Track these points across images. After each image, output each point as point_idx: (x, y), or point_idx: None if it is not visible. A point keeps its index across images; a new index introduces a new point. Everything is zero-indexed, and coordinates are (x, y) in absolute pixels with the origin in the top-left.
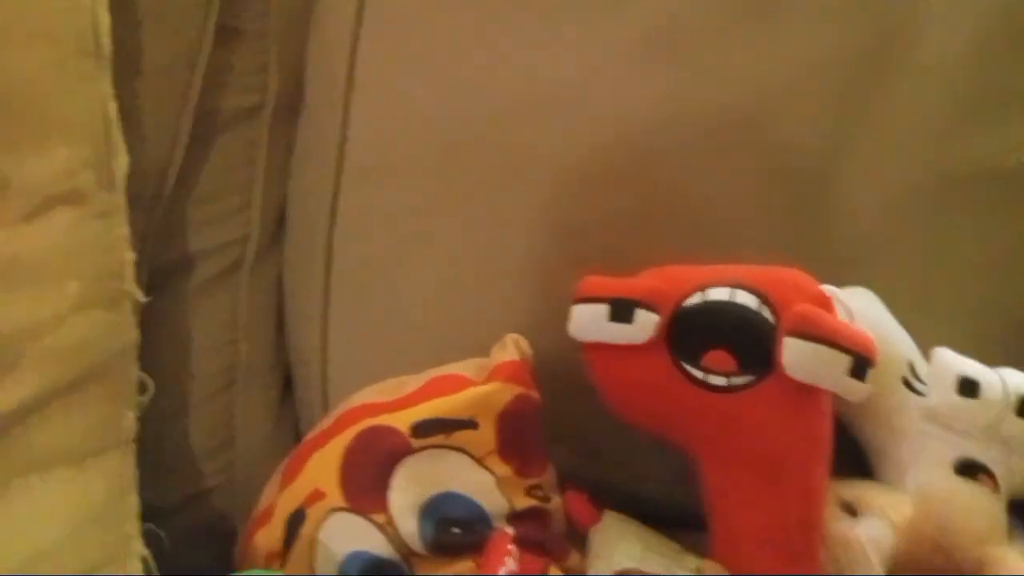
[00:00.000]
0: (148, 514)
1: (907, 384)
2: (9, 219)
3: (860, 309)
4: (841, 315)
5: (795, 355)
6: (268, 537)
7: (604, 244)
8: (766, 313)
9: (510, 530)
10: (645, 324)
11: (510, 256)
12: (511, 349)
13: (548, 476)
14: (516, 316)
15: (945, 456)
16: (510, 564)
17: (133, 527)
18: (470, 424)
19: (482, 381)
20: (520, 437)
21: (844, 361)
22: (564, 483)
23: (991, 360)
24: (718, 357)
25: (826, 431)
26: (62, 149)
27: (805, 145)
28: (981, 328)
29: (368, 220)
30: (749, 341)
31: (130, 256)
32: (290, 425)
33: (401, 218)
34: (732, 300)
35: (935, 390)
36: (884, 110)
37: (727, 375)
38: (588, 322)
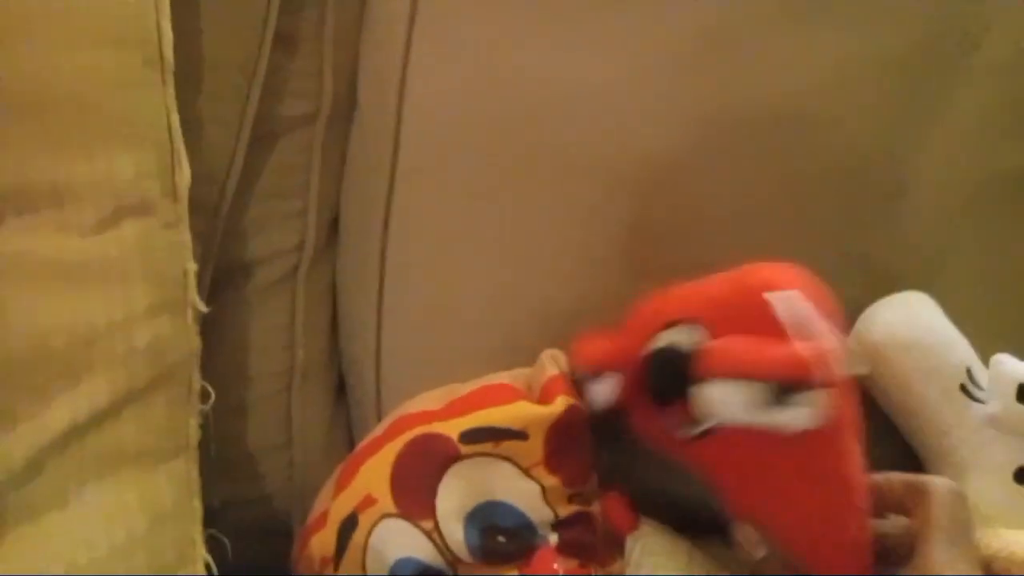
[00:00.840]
0: (209, 514)
1: (965, 390)
2: (82, 228)
3: (911, 315)
4: (789, 316)
5: (709, 399)
6: (322, 542)
7: (655, 243)
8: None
9: (553, 541)
10: (605, 388)
11: (561, 255)
12: (551, 365)
13: (592, 483)
14: (565, 316)
15: (1005, 463)
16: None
17: (197, 531)
18: (520, 435)
19: (532, 399)
20: (567, 449)
21: (758, 393)
22: (603, 484)
23: None
24: (676, 409)
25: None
26: (128, 157)
27: (863, 146)
28: None
29: (421, 222)
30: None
31: (192, 266)
32: (344, 427)
33: (453, 219)
34: (671, 344)
35: (995, 397)
36: (944, 110)
37: (688, 425)
38: (580, 382)
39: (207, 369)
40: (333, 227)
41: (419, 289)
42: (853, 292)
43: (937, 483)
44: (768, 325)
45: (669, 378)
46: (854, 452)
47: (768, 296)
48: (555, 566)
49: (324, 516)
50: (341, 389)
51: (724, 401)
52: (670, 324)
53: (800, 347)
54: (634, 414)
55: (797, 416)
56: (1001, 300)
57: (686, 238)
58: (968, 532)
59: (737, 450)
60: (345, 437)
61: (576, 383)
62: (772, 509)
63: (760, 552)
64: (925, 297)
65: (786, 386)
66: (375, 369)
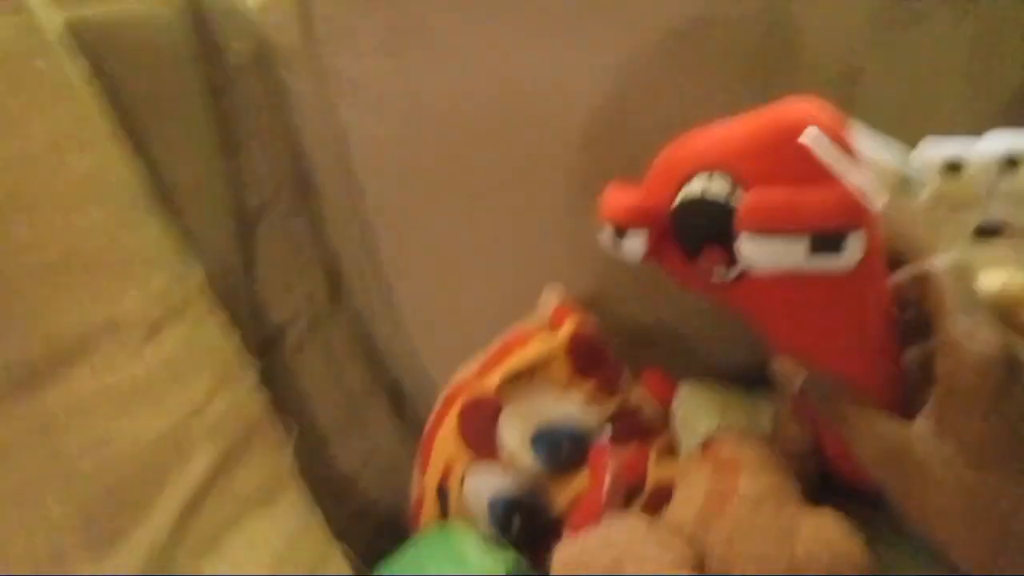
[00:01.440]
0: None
1: (906, 184)
2: (132, 348)
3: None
4: (827, 154)
5: (749, 254)
6: (429, 519)
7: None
8: (738, 196)
9: (605, 441)
10: (635, 246)
11: (544, 214)
12: (552, 297)
13: (625, 379)
14: (558, 266)
15: (962, 230)
16: (611, 467)
17: (325, 533)
18: (545, 364)
19: (545, 332)
20: (590, 357)
21: (799, 245)
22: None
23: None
24: (711, 253)
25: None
26: (146, 280)
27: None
28: (971, 113)
29: (409, 243)
30: (729, 231)
31: (235, 334)
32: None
33: (441, 214)
34: (703, 196)
35: (929, 181)
36: None
37: (724, 267)
38: (605, 242)
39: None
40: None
41: (431, 289)
42: None
43: (935, 264)
44: (803, 168)
45: (701, 229)
46: (881, 271)
47: (804, 140)
48: (606, 460)
49: (420, 497)
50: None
51: (770, 255)
52: (690, 175)
53: (837, 193)
54: (665, 263)
55: (839, 261)
56: (926, 100)
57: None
58: (977, 300)
59: (774, 289)
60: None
61: (577, 307)
62: (810, 339)
63: (799, 380)
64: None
65: (827, 233)
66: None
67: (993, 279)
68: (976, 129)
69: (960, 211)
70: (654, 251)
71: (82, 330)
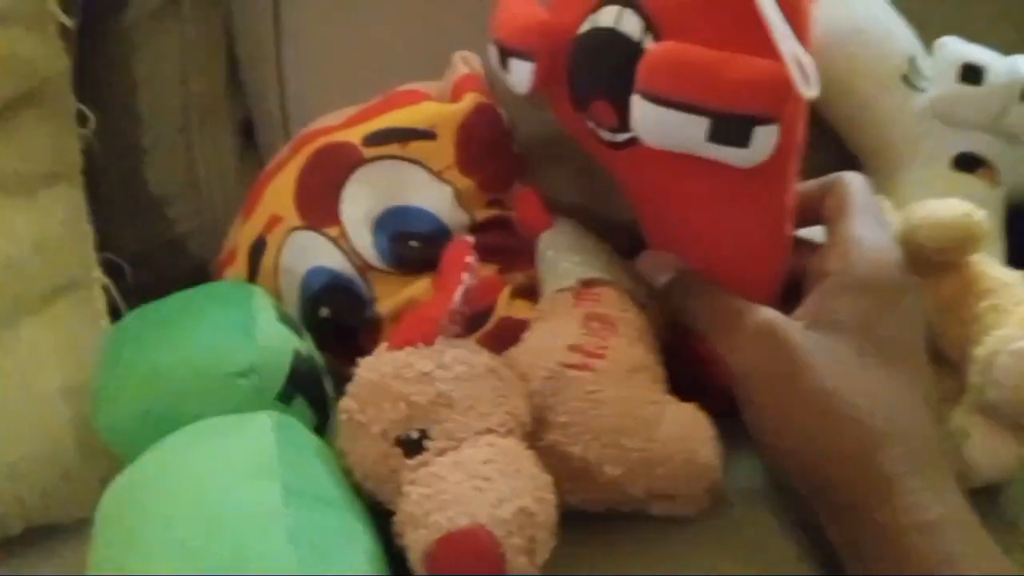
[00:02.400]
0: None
1: (907, 81)
2: None
3: (853, 8)
4: (773, 17)
5: (638, 119)
6: (234, 275)
7: None
8: (647, 44)
9: (470, 238)
10: (521, 74)
11: None
12: (461, 66)
13: (513, 191)
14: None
15: (943, 151)
16: (467, 280)
17: (91, 255)
18: (427, 135)
19: (444, 98)
20: (482, 150)
21: (699, 126)
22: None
23: None
24: (601, 108)
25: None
26: None
27: None
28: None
29: None
30: (627, 87)
31: None
32: (255, 171)
33: None
34: (612, 29)
35: (937, 81)
36: None
37: (611, 129)
38: (491, 62)
39: (94, 106)
40: None
41: (320, 10)
42: None
43: (847, 174)
44: (734, 27)
45: (596, 74)
46: (792, 178)
47: None
48: (468, 259)
49: (234, 250)
50: (249, 131)
51: (661, 127)
52: (605, 1)
53: (763, 70)
54: (555, 102)
55: (741, 154)
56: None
57: None
58: (878, 210)
59: (662, 167)
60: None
61: (490, 87)
62: (690, 235)
63: (662, 279)
64: None
65: (734, 119)
66: (279, 101)
67: (956, 205)
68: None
69: (952, 129)
70: (544, 86)
71: None
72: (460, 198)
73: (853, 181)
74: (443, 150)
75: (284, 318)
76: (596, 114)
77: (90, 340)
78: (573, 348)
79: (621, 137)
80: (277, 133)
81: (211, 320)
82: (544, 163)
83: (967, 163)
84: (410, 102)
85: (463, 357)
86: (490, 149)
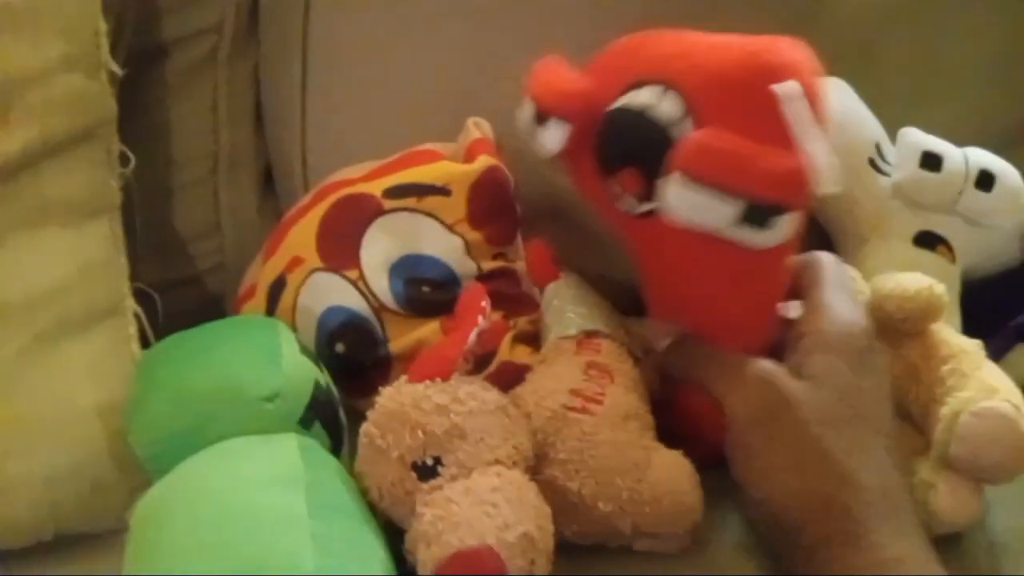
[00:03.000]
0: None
1: (873, 165)
2: None
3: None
4: (799, 118)
5: (673, 198)
6: (253, 310)
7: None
8: (686, 128)
9: (482, 287)
10: (555, 135)
11: (491, 39)
12: (474, 131)
13: (516, 246)
14: (495, 99)
15: (905, 229)
16: (481, 322)
17: (125, 284)
18: (442, 191)
19: (457, 159)
20: (490, 207)
21: (730, 208)
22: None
23: None
24: (627, 177)
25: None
26: None
27: None
28: (971, 125)
29: (344, 4)
30: (658, 162)
31: (103, 25)
32: (275, 215)
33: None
34: (648, 111)
35: (900, 166)
36: None
37: (636, 198)
38: (522, 119)
39: (131, 147)
40: (254, 11)
41: (343, 72)
42: None
43: (821, 253)
44: (767, 122)
45: (629, 147)
46: (791, 254)
47: (778, 89)
48: (483, 304)
49: (253, 287)
50: (270, 178)
51: (694, 207)
52: (642, 82)
53: (792, 164)
54: (576, 168)
55: (761, 237)
56: (935, 93)
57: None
58: (849, 286)
59: (680, 241)
60: (275, 223)
61: (499, 150)
62: (698, 303)
63: (664, 343)
64: (838, 81)
65: (765, 206)
66: (300, 154)
67: (920, 279)
68: (993, 123)
69: (914, 209)
70: (572, 150)
71: None
72: (469, 249)
73: (825, 258)
74: (456, 205)
75: (304, 350)
76: (623, 181)
77: (122, 363)
78: (574, 392)
79: (643, 207)
80: (297, 181)
81: (241, 347)
82: (543, 223)
83: (927, 240)
84: (427, 160)
85: (476, 393)
86: (498, 207)
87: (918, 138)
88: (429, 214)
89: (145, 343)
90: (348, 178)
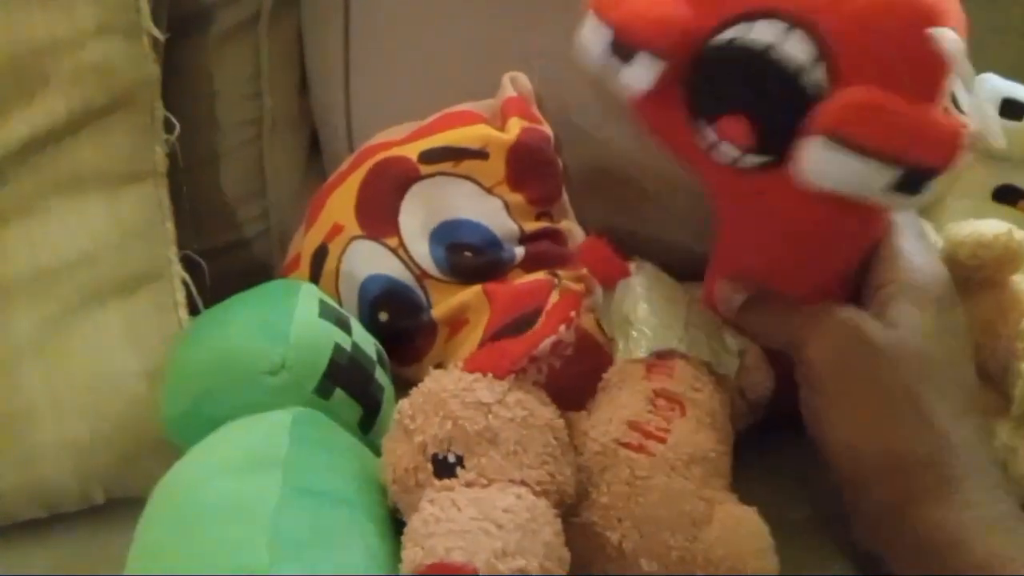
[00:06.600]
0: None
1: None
2: None
3: None
4: (962, 72)
5: (817, 162)
6: (298, 279)
7: None
8: (817, 76)
9: (520, 254)
10: (643, 71)
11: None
12: (509, 88)
13: (562, 204)
14: (538, 53)
15: (983, 184)
16: (563, 332)
17: (172, 250)
18: (480, 154)
19: (494, 124)
20: (530, 169)
21: (885, 176)
22: (588, 233)
23: None
24: (734, 124)
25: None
26: None
27: None
28: None
29: None
30: (778, 112)
31: None
32: (320, 178)
33: None
34: (774, 48)
35: (978, 115)
36: None
37: (741, 149)
38: (592, 47)
39: (175, 112)
40: None
41: (386, 35)
42: None
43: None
44: (922, 76)
45: (741, 89)
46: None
47: (942, 40)
48: (571, 313)
49: (298, 256)
50: (316, 142)
51: (843, 173)
52: (764, 13)
53: (953, 123)
54: (656, 112)
55: (910, 201)
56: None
57: None
58: (920, 228)
59: (787, 197)
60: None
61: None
62: (787, 262)
63: (738, 300)
64: None
65: (925, 169)
66: (345, 117)
67: (997, 224)
68: None
69: (992, 162)
70: (659, 88)
71: None
72: (510, 211)
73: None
74: (494, 168)
75: (328, 314)
76: (727, 129)
77: (167, 328)
78: (633, 425)
79: (752, 160)
80: (342, 145)
81: (249, 320)
82: (585, 184)
83: (1007, 195)
84: (463, 123)
85: (527, 403)
86: (537, 168)
87: (997, 84)
88: (467, 177)
89: (195, 310)
90: (387, 141)
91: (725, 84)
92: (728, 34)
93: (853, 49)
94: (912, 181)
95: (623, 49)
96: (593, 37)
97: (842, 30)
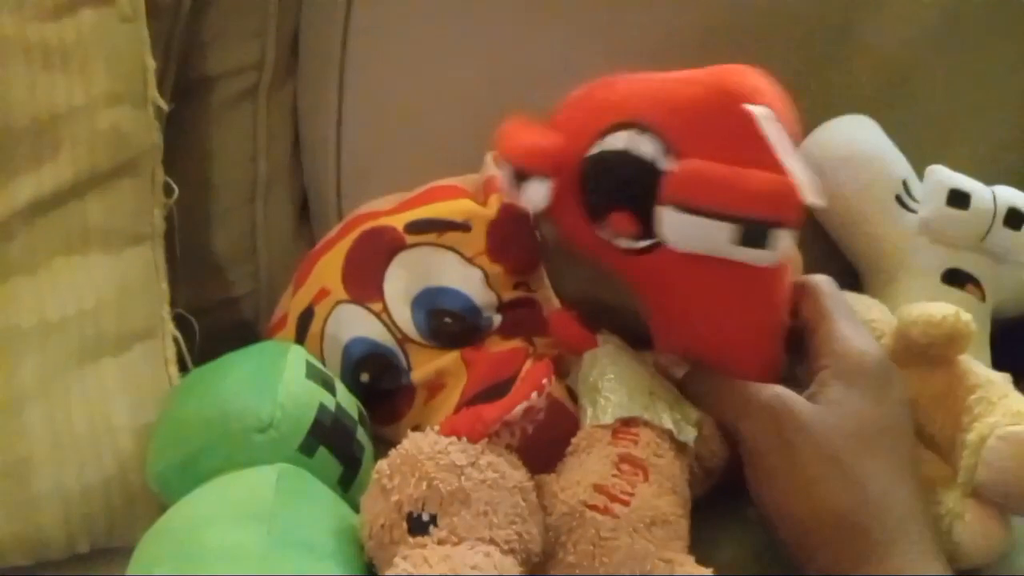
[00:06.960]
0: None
1: (900, 202)
2: (38, 14)
3: (850, 134)
4: (776, 137)
5: (669, 229)
6: (283, 339)
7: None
8: (669, 164)
9: (497, 321)
10: (537, 191)
11: (525, 66)
12: (491, 166)
13: (539, 274)
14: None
15: (933, 267)
16: (535, 399)
17: (165, 310)
18: (462, 227)
19: (478, 199)
20: (510, 242)
21: (726, 231)
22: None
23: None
24: (620, 218)
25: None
26: None
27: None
28: (1002, 162)
29: (379, 42)
30: (647, 199)
31: (151, 62)
32: (309, 242)
33: (411, 38)
34: (627, 151)
35: (927, 203)
36: None
37: (631, 237)
38: (502, 178)
39: (173, 175)
40: (295, 51)
41: (378, 107)
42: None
43: (816, 277)
44: (745, 145)
45: (615, 189)
46: (788, 275)
47: (752, 110)
48: (543, 381)
49: (284, 317)
50: (306, 205)
51: (692, 234)
52: (617, 126)
53: (778, 181)
54: (562, 216)
55: (763, 255)
56: (964, 129)
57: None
58: (852, 310)
59: (683, 268)
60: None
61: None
62: (707, 327)
63: (680, 372)
64: (866, 119)
65: (759, 223)
66: (335, 187)
67: (946, 306)
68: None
69: (942, 247)
70: (557, 203)
71: None
72: (489, 280)
73: (823, 283)
74: (475, 239)
75: (315, 375)
76: (615, 224)
77: (159, 385)
78: (599, 488)
79: (642, 244)
80: (331, 210)
81: (241, 378)
82: (562, 255)
83: (956, 278)
84: (448, 196)
85: (498, 466)
86: (516, 239)
87: (945, 175)
88: (450, 248)
89: (184, 367)
90: (374, 210)
91: (603, 187)
92: (595, 148)
93: (686, 135)
94: (755, 235)
95: (519, 176)
96: (501, 171)
97: (674, 123)
